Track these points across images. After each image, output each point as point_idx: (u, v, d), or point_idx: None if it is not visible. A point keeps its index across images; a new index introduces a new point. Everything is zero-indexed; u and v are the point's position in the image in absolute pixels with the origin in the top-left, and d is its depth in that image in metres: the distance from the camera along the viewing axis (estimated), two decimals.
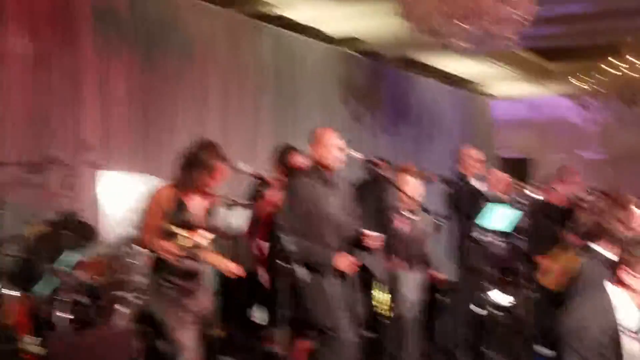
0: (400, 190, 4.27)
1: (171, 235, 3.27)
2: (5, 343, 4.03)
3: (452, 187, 5.37)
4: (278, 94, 7.42)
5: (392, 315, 4.60)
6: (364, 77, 8.68)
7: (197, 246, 3.36)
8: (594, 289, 2.65)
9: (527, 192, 5.73)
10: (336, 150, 3.67)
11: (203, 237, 3.36)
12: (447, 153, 10.06)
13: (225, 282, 5.43)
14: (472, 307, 5.00)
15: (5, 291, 4.18)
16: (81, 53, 5.46)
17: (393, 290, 4.51)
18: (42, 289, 4.26)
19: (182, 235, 3.25)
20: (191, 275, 3.40)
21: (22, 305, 4.21)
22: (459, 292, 5.43)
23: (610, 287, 2.65)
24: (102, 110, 5.59)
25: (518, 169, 11.52)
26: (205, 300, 3.49)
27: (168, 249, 3.20)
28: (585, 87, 8.37)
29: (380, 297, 4.62)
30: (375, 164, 4.08)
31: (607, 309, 2.53)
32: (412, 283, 4.61)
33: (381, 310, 4.67)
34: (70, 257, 4.36)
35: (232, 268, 3.51)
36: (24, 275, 4.34)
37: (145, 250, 3.42)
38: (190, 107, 6.40)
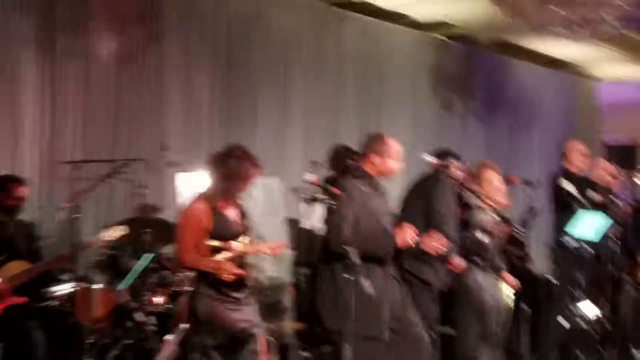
0: (474, 193, 4.06)
1: (218, 252, 3.26)
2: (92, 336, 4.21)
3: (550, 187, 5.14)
4: (364, 84, 7.26)
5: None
6: (455, 64, 8.33)
7: (242, 254, 3.34)
8: None
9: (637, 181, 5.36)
10: (393, 161, 3.61)
11: (245, 243, 3.35)
12: (547, 141, 9.58)
13: (299, 275, 5.46)
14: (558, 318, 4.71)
15: (92, 285, 4.36)
16: (166, 51, 5.57)
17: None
18: (125, 285, 4.41)
19: (229, 249, 3.24)
20: (240, 285, 3.36)
21: (106, 300, 4.39)
22: (551, 296, 5.20)
23: None
24: (185, 108, 5.70)
25: (626, 155, 10.77)
26: (253, 309, 3.44)
27: (228, 268, 3.17)
28: None
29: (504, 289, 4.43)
30: (446, 167, 3.89)
31: None
32: (491, 287, 4.39)
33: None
34: (151, 255, 4.48)
35: (272, 245, 3.47)
36: (107, 272, 4.52)
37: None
38: (272, 102, 6.40)
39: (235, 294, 3.33)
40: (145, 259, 4.42)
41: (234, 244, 3.33)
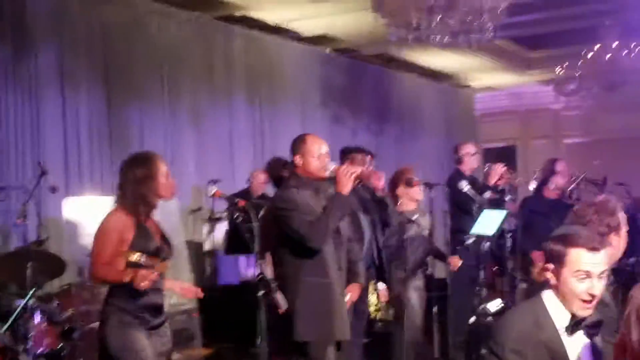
0: (383, 201, 4.06)
1: (137, 267, 2.93)
2: None
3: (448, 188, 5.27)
4: (253, 98, 7.14)
5: (382, 317, 4.44)
6: (342, 77, 8.42)
7: (161, 276, 3.06)
8: None
9: (518, 182, 5.60)
10: (323, 158, 3.49)
11: (166, 265, 3.08)
12: (433, 149, 9.93)
13: (205, 300, 5.21)
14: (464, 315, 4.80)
15: None
16: (38, 68, 5.15)
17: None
18: (10, 326, 3.94)
19: (152, 266, 2.95)
20: (156, 309, 3.06)
21: None
22: (451, 296, 5.29)
23: None
24: (64, 130, 5.30)
25: (502, 158, 11.38)
26: (168, 333, 3.15)
27: (144, 274, 2.83)
28: (566, 72, 8.19)
29: (372, 298, 4.44)
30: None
31: None
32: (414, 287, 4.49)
33: (374, 312, 4.51)
34: (37, 291, 4.05)
35: (190, 290, 3.25)
36: None
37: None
38: (159, 119, 6.10)
39: (153, 319, 3.02)
40: (29, 296, 3.97)
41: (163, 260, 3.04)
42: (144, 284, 2.82)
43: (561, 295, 2.20)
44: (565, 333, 2.18)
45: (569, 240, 2.20)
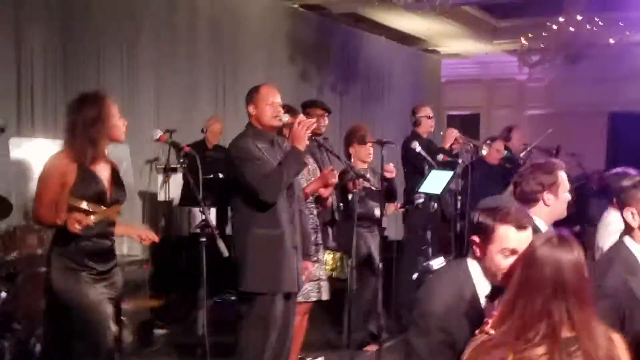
0: (337, 156, 4.08)
1: (79, 212, 2.90)
2: None
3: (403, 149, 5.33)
4: (218, 52, 7.02)
5: (341, 276, 4.49)
6: (310, 34, 8.34)
7: (109, 221, 3.03)
8: None
9: (471, 147, 5.70)
10: (276, 106, 3.47)
11: (114, 210, 3.05)
12: (396, 112, 9.94)
13: (157, 251, 5.22)
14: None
15: None
16: None
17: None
18: None
19: (93, 212, 2.93)
20: (103, 254, 3.03)
21: None
22: (403, 254, 5.40)
23: None
24: (17, 71, 5.16)
25: (465, 126, 11.49)
26: (117, 279, 3.13)
27: (77, 218, 2.79)
28: (530, 43, 8.24)
29: (328, 258, 4.48)
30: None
31: None
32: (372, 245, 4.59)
33: (331, 271, 4.54)
34: None
35: (146, 235, 3.19)
36: None
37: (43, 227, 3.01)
38: (118, 67, 5.96)
39: (99, 266, 2.99)
40: None
41: (112, 205, 3.01)
42: (76, 228, 2.79)
43: (485, 268, 2.19)
44: (486, 300, 2.17)
45: (498, 216, 2.15)
